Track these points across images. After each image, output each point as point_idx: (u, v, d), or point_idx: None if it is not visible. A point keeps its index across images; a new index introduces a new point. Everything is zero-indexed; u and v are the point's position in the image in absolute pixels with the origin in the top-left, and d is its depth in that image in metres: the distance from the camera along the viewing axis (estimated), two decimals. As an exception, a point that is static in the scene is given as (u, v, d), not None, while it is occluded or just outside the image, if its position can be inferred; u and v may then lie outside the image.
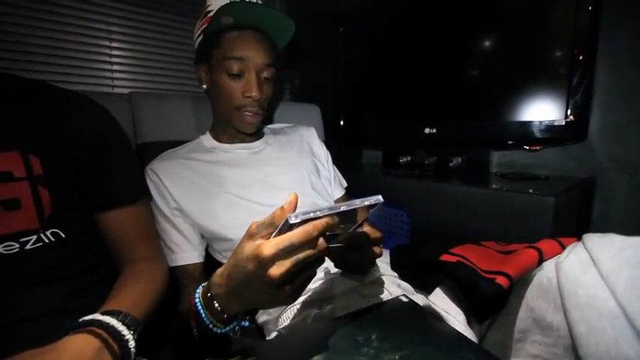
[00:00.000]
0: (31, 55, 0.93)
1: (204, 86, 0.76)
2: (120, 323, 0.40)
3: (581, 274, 0.43)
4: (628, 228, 0.93)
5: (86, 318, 0.40)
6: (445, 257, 0.53)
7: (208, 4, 0.72)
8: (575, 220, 0.92)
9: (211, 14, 0.68)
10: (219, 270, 0.41)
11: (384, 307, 0.47)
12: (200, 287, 0.44)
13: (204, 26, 0.71)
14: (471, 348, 0.38)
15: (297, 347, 0.40)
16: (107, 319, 0.40)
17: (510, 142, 1.05)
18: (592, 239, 0.46)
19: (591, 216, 1.00)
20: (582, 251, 0.45)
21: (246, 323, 0.45)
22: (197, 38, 0.75)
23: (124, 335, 0.40)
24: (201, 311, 0.42)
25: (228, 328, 0.43)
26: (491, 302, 0.45)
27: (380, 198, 0.40)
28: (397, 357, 0.36)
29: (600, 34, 0.91)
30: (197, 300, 0.43)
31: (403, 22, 1.19)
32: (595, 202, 1.00)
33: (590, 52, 0.88)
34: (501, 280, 0.45)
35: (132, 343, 0.40)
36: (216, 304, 0.41)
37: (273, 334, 0.56)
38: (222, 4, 0.66)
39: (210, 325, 0.42)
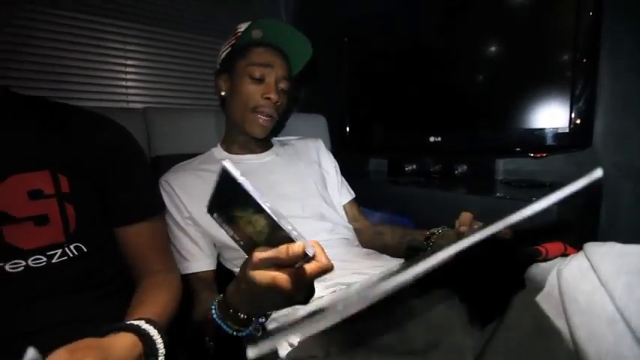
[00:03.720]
0: (53, 75, 0.98)
1: (223, 93, 0.81)
2: (156, 332, 0.44)
3: (582, 281, 0.44)
4: (635, 235, 0.93)
5: (132, 322, 0.44)
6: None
7: (239, 27, 0.80)
8: (581, 228, 0.92)
9: (241, 33, 0.76)
10: (231, 287, 0.45)
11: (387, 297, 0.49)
12: (215, 302, 0.47)
13: (233, 42, 0.78)
14: (471, 334, 0.41)
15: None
16: (147, 327, 0.44)
17: (515, 150, 1.06)
18: (592, 247, 0.47)
19: (598, 224, 1.00)
20: (583, 259, 0.47)
21: (263, 319, 0.48)
22: (224, 51, 0.81)
23: (157, 343, 0.44)
24: (219, 321, 0.44)
25: (250, 329, 0.45)
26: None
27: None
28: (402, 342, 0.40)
29: (602, 41, 0.92)
30: (214, 310, 0.46)
31: (407, 31, 1.22)
32: (602, 209, 0.99)
33: (592, 58, 0.89)
34: (541, 248, 0.48)
35: (162, 351, 0.44)
36: (235, 311, 0.43)
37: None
38: (254, 22, 0.74)
39: (232, 332, 0.44)
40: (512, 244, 0.54)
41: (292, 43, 0.80)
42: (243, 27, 0.78)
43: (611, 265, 0.43)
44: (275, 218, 0.35)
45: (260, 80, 0.75)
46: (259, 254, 0.36)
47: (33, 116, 0.52)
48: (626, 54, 0.92)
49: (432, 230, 0.72)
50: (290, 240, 0.35)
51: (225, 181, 0.35)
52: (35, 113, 0.53)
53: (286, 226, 0.35)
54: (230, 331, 0.44)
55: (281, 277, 0.35)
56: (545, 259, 0.50)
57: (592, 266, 0.45)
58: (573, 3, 0.87)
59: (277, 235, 0.35)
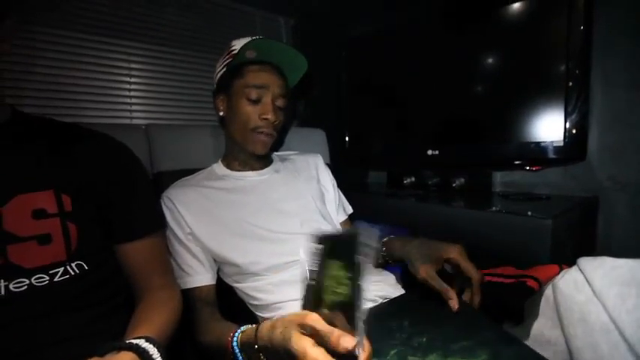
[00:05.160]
0: (61, 93, 1.01)
1: (221, 113, 0.82)
2: (156, 351, 0.45)
3: (576, 293, 0.46)
4: (632, 249, 0.94)
5: (131, 341, 0.44)
6: None
7: (233, 44, 0.81)
8: (578, 241, 0.92)
9: (235, 51, 0.77)
10: (267, 327, 0.43)
11: (411, 297, 0.51)
12: (239, 332, 0.48)
13: (228, 60, 0.79)
14: (489, 328, 0.41)
15: None
16: (147, 345, 0.45)
17: (511, 163, 1.07)
18: (585, 261, 0.48)
19: (596, 236, 1.01)
20: (576, 272, 0.48)
21: None
22: (219, 71, 0.83)
23: None
24: (239, 355, 0.47)
25: None
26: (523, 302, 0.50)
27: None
28: (424, 339, 0.43)
29: (594, 56, 0.95)
30: (235, 344, 0.47)
31: (405, 46, 1.25)
32: (599, 221, 1.00)
33: (584, 73, 0.91)
34: (532, 283, 0.50)
35: None
36: (259, 349, 0.44)
37: None
38: (247, 41, 0.75)
39: None
40: (503, 289, 0.55)
41: (286, 59, 0.81)
42: (236, 44, 0.79)
43: (603, 278, 0.44)
44: (357, 301, 0.34)
45: (257, 101, 0.77)
46: (313, 319, 0.35)
47: (39, 136, 0.54)
48: (618, 69, 0.95)
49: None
50: (350, 328, 0.34)
51: (356, 239, 0.35)
52: (41, 133, 0.54)
53: (358, 315, 0.34)
54: None
55: (312, 355, 0.34)
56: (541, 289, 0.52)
57: (586, 279, 0.46)
58: (565, 19, 0.90)
59: (346, 312, 0.35)
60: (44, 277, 0.49)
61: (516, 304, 0.50)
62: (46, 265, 0.49)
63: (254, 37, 0.77)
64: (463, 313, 0.47)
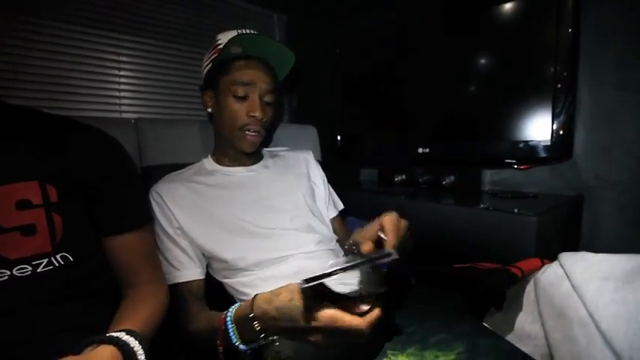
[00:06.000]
0: (46, 85, 0.99)
1: (209, 110, 0.81)
2: (137, 343, 0.44)
3: (556, 287, 0.47)
4: (616, 246, 0.96)
5: (112, 334, 0.44)
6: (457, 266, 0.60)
7: (218, 38, 0.80)
8: (563, 238, 0.94)
9: (221, 46, 0.76)
10: (265, 297, 0.48)
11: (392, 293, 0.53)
12: (233, 308, 0.51)
13: (214, 56, 0.78)
14: (468, 321, 0.43)
15: None
16: (128, 338, 0.44)
17: (500, 162, 1.09)
18: (566, 256, 0.49)
19: (580, 234, 1.03)
20: (557, 267, 0.49)
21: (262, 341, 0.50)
22: (206, 67, 0.81)
23: (138, 354, 0.44)
24: (230, 330, 0.49)
25: (253, 345, 0.49)
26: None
27: (394, 255, 0.43)
28: (403, 334, 0.46)
29: (582, 57, 0.97)
30: (229, 319, 0.50)
31: (397, 45, 1.26)
32: (584, 220, 1.02)
33: (572, 74, 0.93)
34: (515, 270, 0.53)
35: None
36: (256, 324, 0.47)
37: None
38: (232, 37, 0.74)
39: (237, 343, 0.49)
40: (488, 273, 0.57)
41: (273, 53, 0.80)
42: (222, 38, 0.78)
43: (583, 273, 0.45)
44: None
45: (244, 98, 0.76)
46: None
47: (23, 127, 0.53)
48: (604, 70, 0.96)
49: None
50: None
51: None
52: (26, 124, 0.54)
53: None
54: (235, 340, 0.48)
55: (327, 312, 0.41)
56: (524, 278, 0.53)
57: (566, 273, 0.47)
58: (554, 20, 0.91)
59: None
60: (26, 268, 0.49)
61: (499, 289, 0.52)
62: (29, 255, 0.49)
63: (239, 31, 0.76)
64: (444, 308, 0.49)
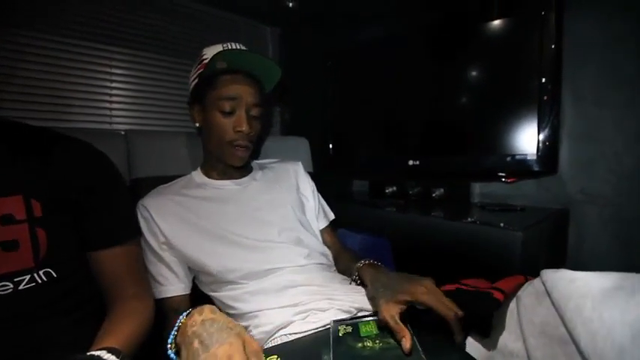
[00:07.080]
0: (39, 97, 0.99)
1: (197, 124, 0.81)
2: None
3: (537, 305, 0.47)
4: (601, 260, 0.97)
5: (93, 353, 0.43)
6: (446, 287, 0.62)
7: (203, 53, 0.81)
8: (549, 251, 0.95)
9: (206, 61, 0.76)
10: (205, 319, 0.45)
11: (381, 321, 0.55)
12: (190, 311, 0.49)
13: (199, 71, 0.78)
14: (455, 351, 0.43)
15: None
16: (109, 357, 0.44)
17: (488, 174, 1.11)
18: (547, 273, 0.50)
19: (567, 247, 1.04)
20: (539, 284, 0.49)
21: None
22: (192, 82, 0.82)
23: None
24: (173, 331, 0.48)
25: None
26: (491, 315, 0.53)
27: None
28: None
29: (565, 74, 0.99)
30: (179, 320, 0.49)
31: (387, 60, 1.28)
32: (570, 233, 1.04)
33: (556, 90, 0.96)
34: (497, 295, 0.53)
35: None
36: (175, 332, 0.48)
37: None
38: (217, 52, 0.74)
39: (169, 346, 0.49)
40: (472, 297, 0.58)
41: (259, 66, 0.80)
42: (207, 52, 0.79)
43: (562, 290, 0.45)
44: None
45: (230, 113, 0.76)
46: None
47: (7, 140, 0.53)
48: (584, 86, 0.99)
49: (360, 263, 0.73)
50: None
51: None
52: (10, 137, 0.53)
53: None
54: (169, 342, 0.49)
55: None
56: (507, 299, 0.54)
57: (547, 291, 0.47)
58: (537, 36, 0.94)
59: None
60: (8, 285, 0.48)
61: (481, 315, 0.52)
62: (10, 272, 0.48)
63: (225, 46, 0.77)
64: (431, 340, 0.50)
